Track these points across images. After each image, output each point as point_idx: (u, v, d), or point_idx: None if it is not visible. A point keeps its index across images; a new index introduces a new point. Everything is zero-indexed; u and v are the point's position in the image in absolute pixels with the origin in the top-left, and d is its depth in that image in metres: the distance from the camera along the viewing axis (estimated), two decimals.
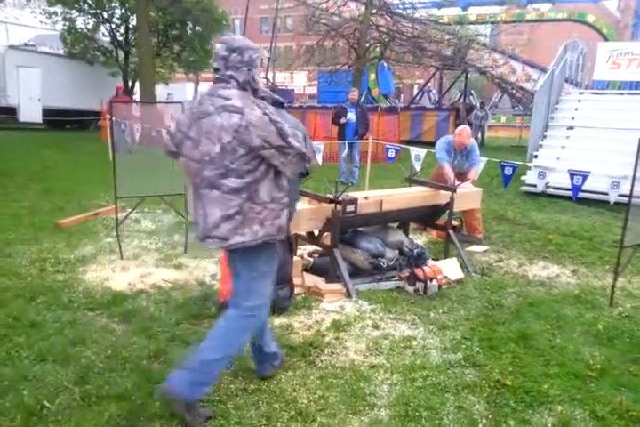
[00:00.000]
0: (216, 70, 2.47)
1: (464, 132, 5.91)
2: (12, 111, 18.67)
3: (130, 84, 21.10)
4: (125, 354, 3.17)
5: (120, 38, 21.06)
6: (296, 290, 4.28)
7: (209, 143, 2.40)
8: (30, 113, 18.98)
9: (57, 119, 19.25)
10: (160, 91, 20.52)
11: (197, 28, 21.29)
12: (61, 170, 10.11)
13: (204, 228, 2.49)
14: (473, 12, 22.88)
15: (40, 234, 5.66)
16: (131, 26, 20.66)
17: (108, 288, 4.25)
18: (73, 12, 20.21)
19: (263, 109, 2.39)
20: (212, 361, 2.54)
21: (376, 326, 3.69)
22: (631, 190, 4.06)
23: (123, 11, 20.58)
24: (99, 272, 4.62)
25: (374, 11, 16.15)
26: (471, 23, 21.59)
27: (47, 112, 19.14)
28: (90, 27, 20.86)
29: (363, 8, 16.32)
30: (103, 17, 20.54)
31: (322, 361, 3.18)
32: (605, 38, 19.67)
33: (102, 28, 21.22)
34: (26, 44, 22.05)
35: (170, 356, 3.17)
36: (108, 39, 21.37)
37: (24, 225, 6.01)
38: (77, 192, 8.02)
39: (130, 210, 5.69)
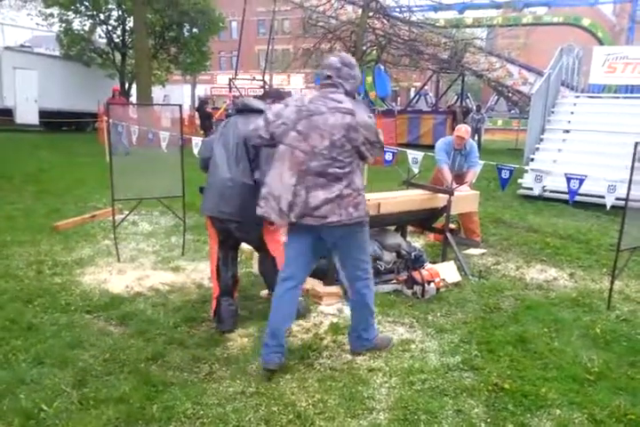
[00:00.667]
0: (328, 77, 2.96)
1: (462, 128, 6.02)
2: (8, 113, 18.63)
3: (127, 85, 21.10)
4: (123, 357, 3.15)
5: (117, 40, 21.09)
6: None
7: (318, 138, 2.85)
8: (27, 115, 18.94)
9: (53, 121, 19.21)
10: (157, 92, 20.58)
11: (194, 30, 21.38)
12: (57, 172, 10.08)
13: (303, 208, 2.88)
14: (469, 16, 22.94)
15: (37, 236, 5.64)
16: (127, 28, 20.70)
17: (106, 291, 4.24)
18: (69, 13, 20.24)
19: (367, 113, 2.96)
20: (369, 317, 3.31)
21: None
22: (627, 194, 4.08)
23: (119, 12, 20.63)
24: (96, 275, 4.60)
25: (371, 14, 16.23)
26: (468, 26, 21.69)
27: (44, 114, 19.10)
28: (86, 28, 20.86)
29: (359, 11, 16.38)
30: (100, 19, 20.57)
31: (320, 364, 3.18)
32: (601, 42, 19.78)
33: (99, 30, 21.23)
34: (22, 46, 22.04)
35: (167, 359, 3.16)
36: (104, 41, 21.39)
37: (20, 227, 5.98)
38: (74, 194, 8.01)
39: (127, 212, 5.68)
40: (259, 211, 3.03)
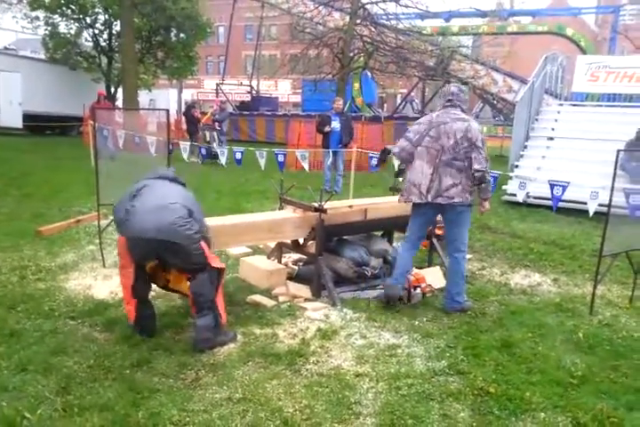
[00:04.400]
0: (449, 100, 4.14)
1: None
2: None
3: (112, 89, 20.96)
4: (108, 363, 3.13)
5: (103, 44, 20.93)
6: (281, 298, 4.28)
7: (445, 138, 4.00)
8: (10, 118, 18.71)
9: (38, 124, 19.00)
10: (143, 97, 20.44)
11: (181, 34, 21.27)
12: (42, 176, 9.97)
13: (437, 190, 4.00)
14: (455, 24, 23.20)
15: (20, 241, 5.58)
16: (114, 32, 20.57)
17: (90, 296, 4.21)
18: (55, 17, 20.04)
19: (476, 123, 4.16)
20: (461, 284, 4.19)
21: (361, 335, 3.69)
22: (610, 200, 4.14)
23: (106, 16, 20.47)
24: (80, 280, 4.57)
25: (358, 21, 16.30)
26: (454, 34, 21.94)
27: (28, 117, 18.89)
28: (72, 32, 20.69)
29: (347, 18, 16.48)
30: (86, 22, 20.40)
31: (307, 370, 3.18)
32: (583, 51, 20.10)
33: (85, 34, 21.07)
34: (6, 48, 21.82)
35: (153, 365, 3.14)
36: (90, 44, 21.23)
37: (3, 232, 5.91)
38: (58, 198, 7.93)
39: (112, 217, 5.62)
40: (400, 199, 4.25)
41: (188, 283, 3.49)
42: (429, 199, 4.01)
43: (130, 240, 3.28)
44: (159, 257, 3.42)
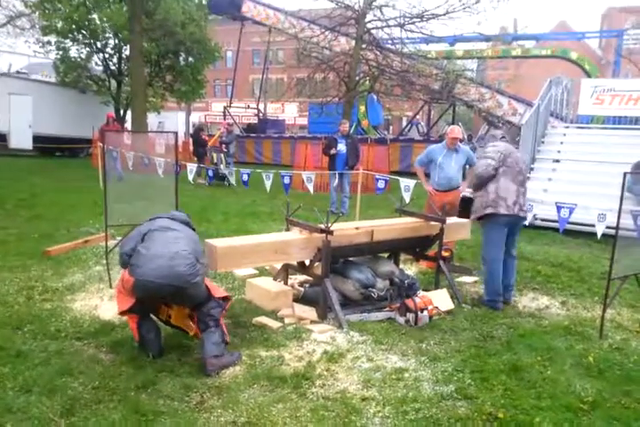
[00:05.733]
0: (504, 137, 5.11)
1: (455, 129, 6.39)
2: (2, 138, 18.67)
3: (122, 112, 21.26)
4: (113, 385, 3.11)
5: (113, 68, 21.31)
6: (286, 320, 4.26)
7: (516, 164, 4.83)
8: (21, 140, 18.98)
9: (47, 146, 19.25)
10: (151, 119, 20.69)
11: (190, 59, 21.64)
12: (51, 197, 10.05)
13: (521, 204, 4.77)
14: (460, 48, 23.53)
15: (28, 261, 5.60)
16: (124, 56, 20.95)
17: (97, 317, 4.20)
18: (67, 41, 20.47)
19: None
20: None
21: (367, 358, 3.65)
22: (617, 223, 4.13)
23: (116, 41, 20.90)
24: (87, 301, 4.56)
25: (364, 45, 16.54)
26: (458, 58, 22.17)
27: (38, 139, 19.15)
28: (83, 56, 21.10)
29: (353, 42, 16.72)
30: (97, 47, 20.81)
31: (313, 393, 3.14)
32: (588, 74, 20.29)
33: (95, 58, 21.47)
34: (18, 72, 22.22)
35: (158, 387, 3.12)
36: (100, 68, 21.62)
37: (11, 252, 5.94)
38: (66, 219, 7.98)
39: (120, 238, 5.65)
40: (488, 210, 4.74)
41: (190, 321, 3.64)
42: (515, 211, 4.71)
43: (138, 282, 3.33)
44: (164, 298, 3.53)
